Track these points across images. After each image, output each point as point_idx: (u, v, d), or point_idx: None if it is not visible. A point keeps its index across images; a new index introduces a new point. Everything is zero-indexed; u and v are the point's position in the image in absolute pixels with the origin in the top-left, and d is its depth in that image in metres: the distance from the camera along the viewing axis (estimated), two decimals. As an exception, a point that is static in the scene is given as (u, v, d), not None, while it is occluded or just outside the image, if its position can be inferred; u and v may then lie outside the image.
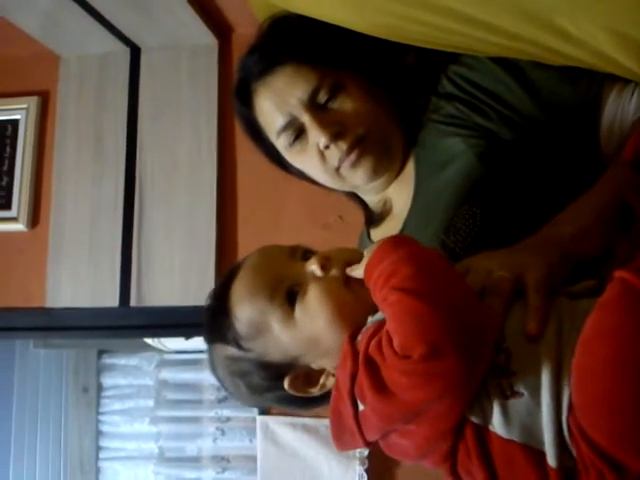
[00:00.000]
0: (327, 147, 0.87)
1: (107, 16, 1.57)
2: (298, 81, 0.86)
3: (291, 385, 0.67)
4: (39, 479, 2.58)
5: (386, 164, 0.91)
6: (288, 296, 0.66)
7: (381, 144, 0.89)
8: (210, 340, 0.72)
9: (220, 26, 1.68)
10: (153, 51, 1.74)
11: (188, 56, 1.71)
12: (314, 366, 0.67)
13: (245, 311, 0.67)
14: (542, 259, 0.65)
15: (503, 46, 0.81)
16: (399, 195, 0.95)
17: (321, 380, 0.67)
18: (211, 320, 0.71)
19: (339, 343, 0.64)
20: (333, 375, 0.66)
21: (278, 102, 0.87)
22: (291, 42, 0.88)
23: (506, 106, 0.84)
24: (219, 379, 0.74)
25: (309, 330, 0.65)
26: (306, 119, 0.86)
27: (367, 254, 0.63)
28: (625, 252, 0.64)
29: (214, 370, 0.73)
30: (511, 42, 0.79)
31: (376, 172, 0.90)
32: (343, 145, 0.86)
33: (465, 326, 0.55)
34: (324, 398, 0.68)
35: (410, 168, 0.93)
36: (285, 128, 0.88)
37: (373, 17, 0.86)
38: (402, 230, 0.92)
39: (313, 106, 0.86)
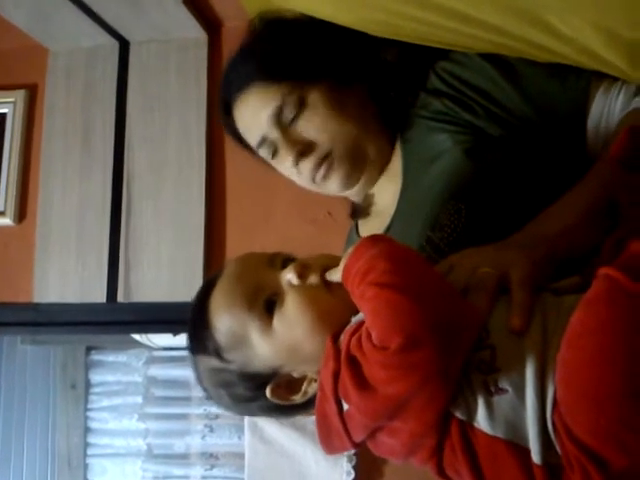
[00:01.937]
0: (297, 164, 0.90)
1: (96, 9, 1.56)
2: (264, 100, 0.88)
3: (273, 394, 0.67)
4: (26, 476, 2.56)
5: (358, 173, 0.93)
6: (266, 306, 0.65)
7: (349, 157, 0.90)
8: (193, 352, 0.72)
9: (210, 20, 1.67)
10: (142, 45, 1.73)
11: (177, 50, 1.70)
12: (295, 374, 0.67)
13: (224, 322, 0.67)
14: (527, 256, 0.65)
15: (493, 42, 0.81)
16: (386, 191, 0.95)
17: (303, 387, 0.67)
18: (192, 332, 0.71)
19: (319, 350, 0.63)
20: (315, 381, 0.66)
21: (251, 121, 0.91)
22: (257, 63, 0.90)
23: (494, 103, 0.84)
24: (204, 390, 0.73)
25: (288, 339, 0.65)
26: (275, 137, 0.89)
27: (345, 257, 0.63)
28: (610, 249, 0.65)
29: (199, 381, 0.73)
30: (501, 39, 0.80)
31: (349, 182, 0.93)
32: (309, 163, 0.90)
33: (442, 318, 0.55)
34: (308, 405, 0.68)
35: (397, 164, 0.93)
36: (261, 144, 0.92)
37: (364, 13, 0.86)
38: (390, 226, 0.93)
39: (280, 124, 0.89)
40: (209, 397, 0.74)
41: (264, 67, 0.89)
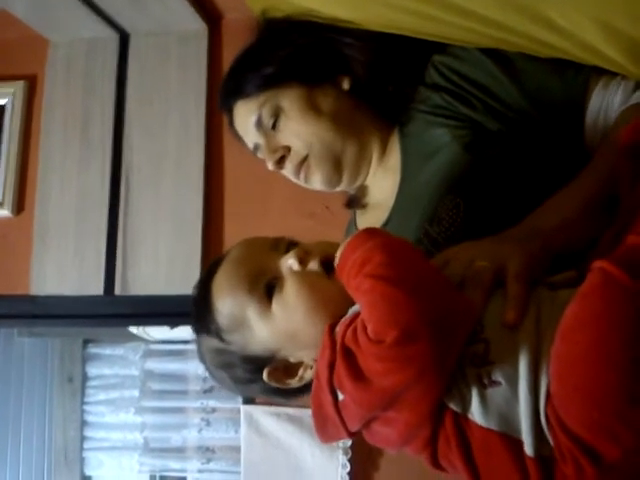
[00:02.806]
0: (279, 170, 0.95)
1: (96, 1, 1.56)
2: (246, 114, 0.94)
3: (270, 377, 0.68)
4: (23, 469, 2.56)
5: (338, 174, 0.95)
6: (266, 290, 0.66)
7: (326, 158, 0.93)
8: (196, 331, 0.73)
9: (210, 12, 1.67)
10: (142, 37, 1.72)
11: (177, 42, 1.70)
12: (292, 359, 0.68)
13: (225, 304, 0.67)
14: (523, 249, 0.66)
15: (492, 37, 0.81)
16: (385, 184, 0.95)
17: (299, 372, 0.68)
18: (196, 312, 0.72)
19: (316, 336, 0.64)
20: (311, 367, 0.67)
21: (243, 131, 0.97)
22: (234, 82, 0.96)
23: (492, 97, 0.84)
24: (206, 368, 0.74)
25: (286, 324, 0.65)
26: (262, 145, 0.94)
27: (341, 247, 0.63)
28: (608, 243, 0.65)
29: (201, 359, 0.74)
30: (500, 33, 0.80)
31: (330, 182, 0.96)
32: (289, 167, 0.94)
33: (437, 311, 0.55)
34: (307, 388, 0.68)
35: (396, 158, 0.93)
36: (255, 150, 0.97)
37: (366, 8, 0.86)
38: (388, 219, 0.93)
39: (263, 132, 0.93)
40: (212, 377, 0.75)
41: (239, 86, 0.95)
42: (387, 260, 0.57)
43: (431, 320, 0.54)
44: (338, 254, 0.63)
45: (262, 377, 0.68)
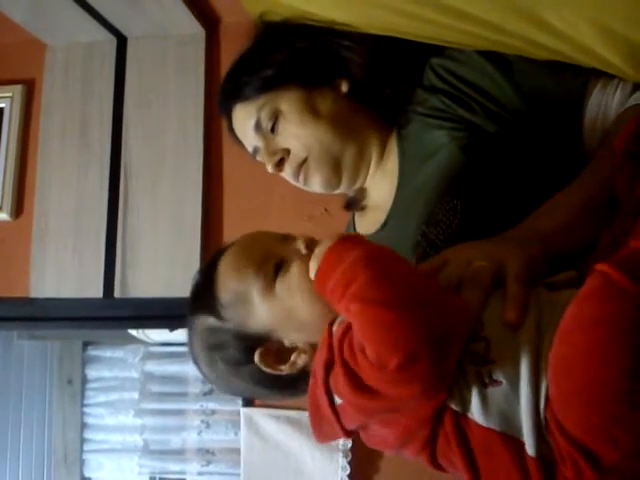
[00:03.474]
0: (278, 172, 0.96)
1: (94, 5, 1.56)
2: (245, 118, 0.95)
3: (262, 359, 0.67)
4: (23, 471, 2.56)
5: (337, 177, 0.95)
6: (273, 270, 0.67)
7: (325, 161, 0.93)
8: (192, 311, 0.72)
9: (207, 16, 1.67)
10: (140, 40, 1.72)
11: (175, 46, 1.69)
12: (287, 342, 0.67)
13: (229, 280, 0.68)
14: (522, 251, 0.66)
15: (490, 40, 0.81)
16: (383, 187, 0.95)
17: (292, 357, 0.67)
18: (196, 292, 0.73)
19: (313, 319, 0.64)
20: (305, 352, 0.66)
21: (242, 134, 0.98)
22: (232, 86, 0.96)
23: (490, 99, 0.84)
24: (196, 360, 0.73)
25: (286, 304, 0.66)
26: (261, 148, 0.95)
27: (318, 253, 0.63)
28: (606, 245, 0.65)
29: (192, 349, 0.73)
30: (498, 36, 0.80)
31: (329, 185, 0.96)
32: (288, 170, 0.94)
33: (433, 325, 0.54)
34: (297, 383, 0.68)
35: (394, 160, 0.94)
36: (254, 153, 0.97)
37: (362, 10, 0.86)
38: (386, 221, 0.94)
39: (262, 135, 0.94)
40: (199, 368, 0.73)
41: (237, 90, 0.95)
42: (372, 277, 0.57)
43: (428, 338, 0.54)
44: (313, 266, 0.63)
45: (253, 359, 0.67)
